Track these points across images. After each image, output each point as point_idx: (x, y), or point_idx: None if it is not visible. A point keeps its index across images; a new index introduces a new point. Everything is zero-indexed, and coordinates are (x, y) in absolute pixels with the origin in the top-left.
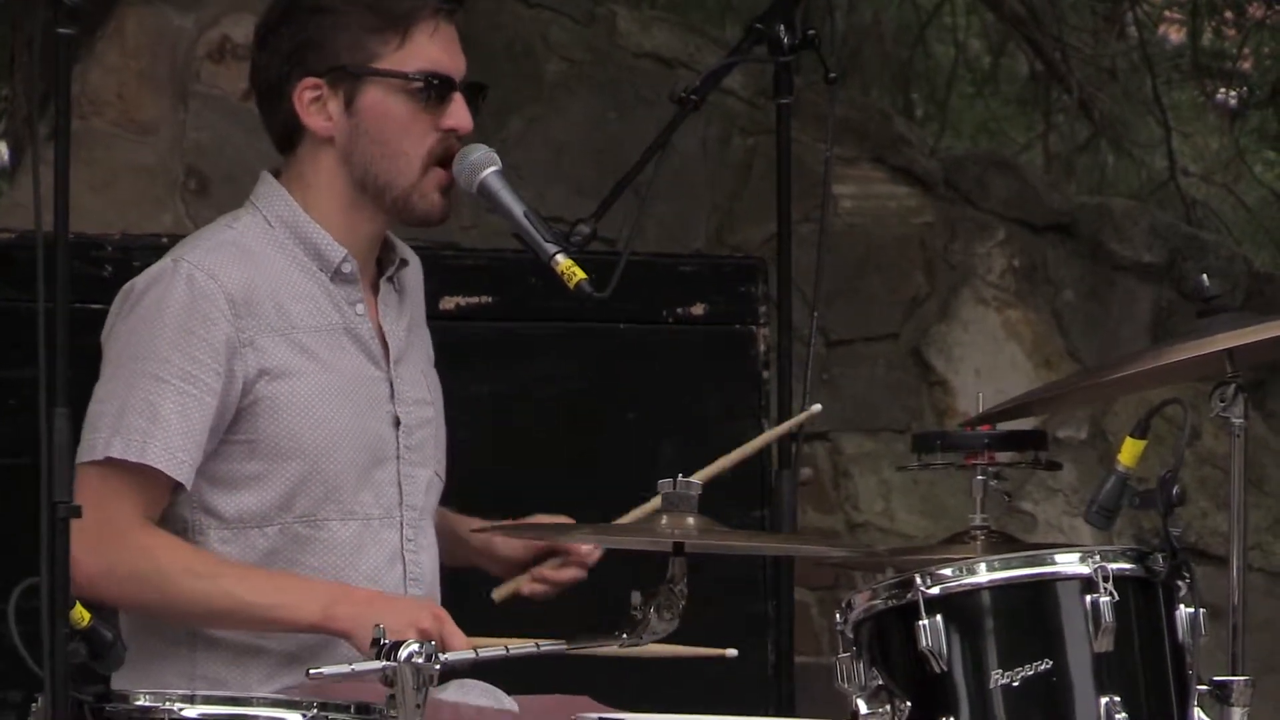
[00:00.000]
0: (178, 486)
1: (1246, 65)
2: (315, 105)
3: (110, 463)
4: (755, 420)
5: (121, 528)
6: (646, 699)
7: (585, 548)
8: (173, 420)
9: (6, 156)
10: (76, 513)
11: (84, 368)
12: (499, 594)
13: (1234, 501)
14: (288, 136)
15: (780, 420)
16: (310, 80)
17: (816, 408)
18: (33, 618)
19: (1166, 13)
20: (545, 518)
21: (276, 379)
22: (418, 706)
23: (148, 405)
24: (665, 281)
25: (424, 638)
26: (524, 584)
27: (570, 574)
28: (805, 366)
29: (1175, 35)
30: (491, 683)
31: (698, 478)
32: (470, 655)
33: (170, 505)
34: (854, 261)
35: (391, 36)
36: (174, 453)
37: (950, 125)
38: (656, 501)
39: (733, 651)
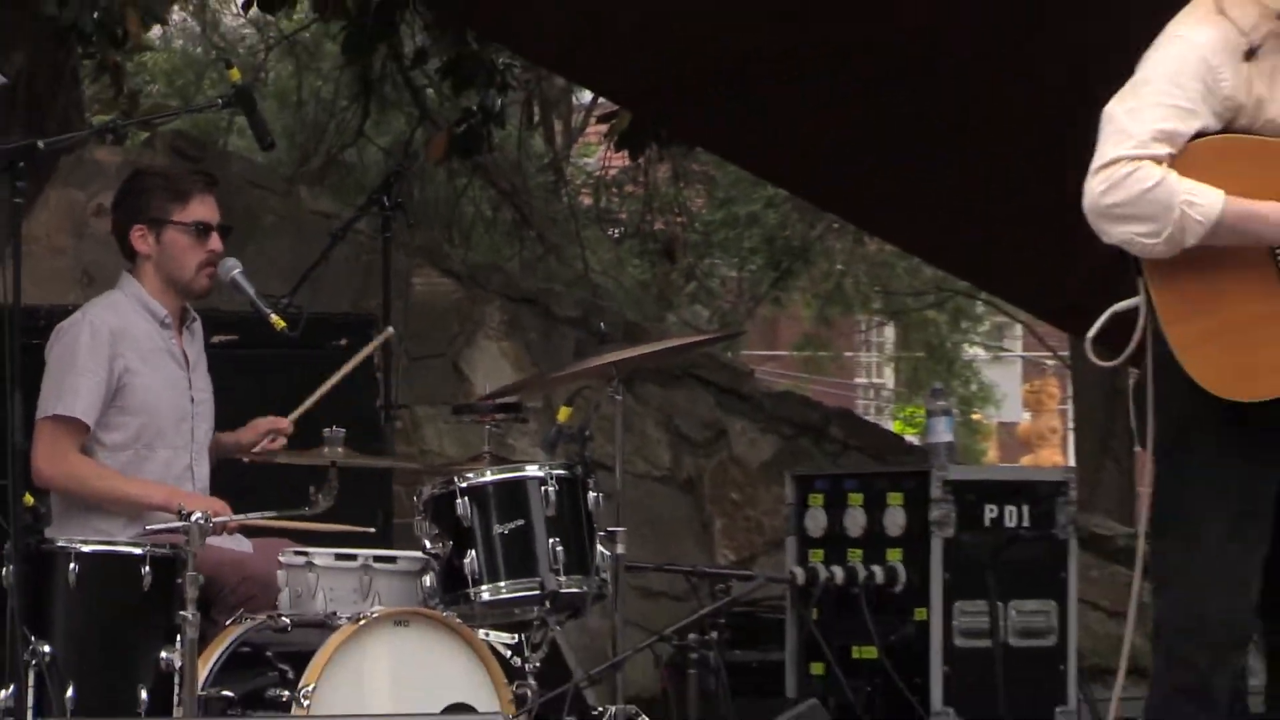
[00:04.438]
0: (88, 428)
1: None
2: (140, 239)
3: (56, 417)
4: (372, 396)
5: (63, 452)
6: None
7: (283, 423)
8: (88, 394)
9: None
10: (28, 452)
11: (31, 378)
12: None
13: (618, 440)
14: (130, 254)
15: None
16: (138, 226)
17: (389, 331)
18: (2, 508)
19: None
20: (264, 421)
21: (133, 374)
22: (200, 545)
23: (74, 386)
24: (325, 327)
25: (212, 514)
26: (265, 445)
27: (279, 444)
28: (397, 371)
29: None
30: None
31: (297, 412)
32: (226, 519)
33: None
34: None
35: (177, 204)
36: (89, 410)
37: None
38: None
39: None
